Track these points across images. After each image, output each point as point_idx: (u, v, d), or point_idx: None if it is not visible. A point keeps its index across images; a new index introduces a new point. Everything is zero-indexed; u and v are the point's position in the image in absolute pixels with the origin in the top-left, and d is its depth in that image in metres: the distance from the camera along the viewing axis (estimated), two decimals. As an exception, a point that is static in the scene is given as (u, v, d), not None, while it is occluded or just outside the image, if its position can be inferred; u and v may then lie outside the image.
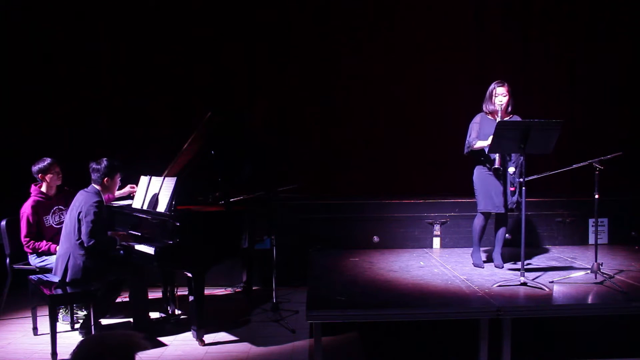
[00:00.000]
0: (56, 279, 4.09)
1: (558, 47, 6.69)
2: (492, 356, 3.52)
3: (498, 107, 4.46)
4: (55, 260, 4.20)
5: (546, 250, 5.49)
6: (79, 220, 4.04)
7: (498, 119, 4.39)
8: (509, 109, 4.53)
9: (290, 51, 6.56)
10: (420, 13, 6.63)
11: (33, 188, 4.57)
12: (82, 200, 4.09)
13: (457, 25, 6.62)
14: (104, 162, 4.20)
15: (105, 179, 4.18)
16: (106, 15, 6.39)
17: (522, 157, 4.51)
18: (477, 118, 4.59)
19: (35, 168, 4.55)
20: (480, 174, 4.60)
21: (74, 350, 1.64)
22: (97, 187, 4.17)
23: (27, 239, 4.44)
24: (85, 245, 4.03)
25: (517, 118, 4.52)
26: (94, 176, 4.19)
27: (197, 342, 4.07)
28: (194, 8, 6.44)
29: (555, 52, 6.69)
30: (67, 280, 4.03)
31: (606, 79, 6.64)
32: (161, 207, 4.19)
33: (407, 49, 6.59)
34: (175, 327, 4.47)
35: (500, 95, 4.48)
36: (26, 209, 4.47)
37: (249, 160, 4.83)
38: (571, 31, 6.66)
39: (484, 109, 4.59)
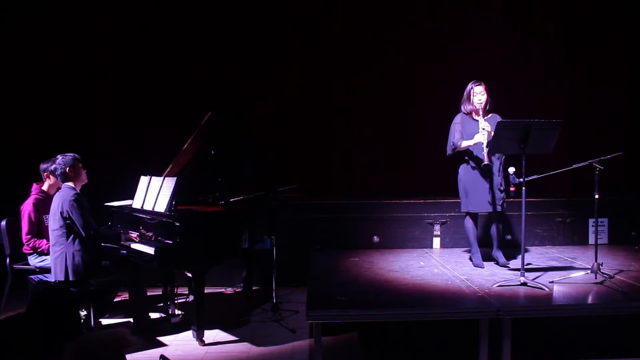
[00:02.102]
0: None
1: (558, 47, 6.69)
2: (492, 356, 3.52)
3: (478, 106, 4.49)
4: (51, 264, 4.18)
5: (546, 250, 5.49)
6: (65, 219, 4.02)
7: (478, 118, 4.45)
8: (487, 107, 4.55)
9: (290, 51, 6.57)
10: (420, 13, 6.64)
11: (34, 187, 4.58)
12: (60, 200, 4.07)
13: (457, 25, 6.62)
14: (57, 157, 4.16)
15: (67, 169, 4.11)
16: (107, 14, 6.39)
17: (503, 155, 4.57)
18: (458, 118, 4.62)
19: (43, 166, 4.58)
20: (466, 173, 4.62)
21: (66, 351, 1.62)
22: (68, 183, 4.14)
23: (29, 236, 4.45)
24: (86, 236, 4.03)
25: (496, 116, 4.55)
26: (59, 174, 4.14)
27: (197, 342, 4.07)
28: (194, 8, 6.45)
29: (555, 51, 6.69)
30: (70, 279, 4.02)
31: (606, 78, 6.65)
32: (161, 207, 4.18)
33: (407, 49, 6.60)
34: (175, 327, 4.47)
35: (478, 94, 4.51)
36: (28, 207, 4.48)
37: (249, 160, 4.83)
38: (571, 31, 6.67)
39: (462, 109, 4.63)
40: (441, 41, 6.60)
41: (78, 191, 4.13)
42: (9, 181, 5.69)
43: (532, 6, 6.68)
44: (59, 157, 4.16)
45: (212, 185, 4.75)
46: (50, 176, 4.58)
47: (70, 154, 4.18)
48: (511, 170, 4.35)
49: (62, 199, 4.05)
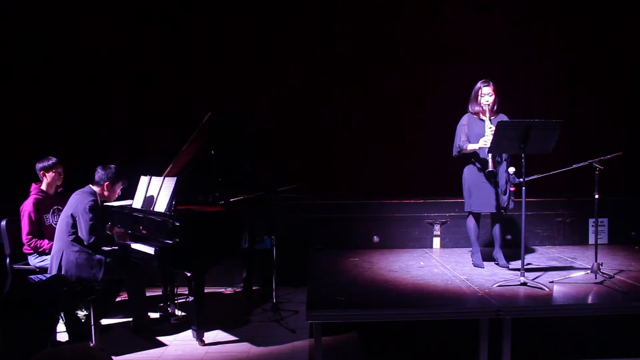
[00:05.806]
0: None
1: (558, 47, 6.69)
2: (492, 356, 3.52)
3: (485, 107, 4.47)
4: (50, 259, 4.20)
5: (546, 251, 5.49)
6: (73, 218, 4.06)
7: (485, 119, 4.43)
8: (495, 107, 4.54)
9: (290, 50, 6.57)
10: (419, 14, 6.64)
11: (33, 186, 4.59)
12: (77, 200, 4.12)
13: (456, 25, 6.62)
14: (112, 167, 4.26)
15: (107, 183, 4.21)
16: (106, 14, 6.39)
17: (509, 157, 4.56)
18: (464, 119, 4.60)
19: (39, 165, 4.60)
20: (470, 173, 4.60)
21: None
22: (94, 188, 4.20)
23: (29, 237, 4.45)
24: (85, 242, 4.05)
25: (503, 116, 4.54)
26: (97, 177, 4.23)
27: (197, 342, 4.07)
28: (194, 8, 6.45)
29: (555, 52, 6.70)
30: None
31: (606, 78, 6.65)
32: (161, 207, 4.18)
33: (407, 49, 6.60)
34: (175, 327, 4.47)
35: (486, 95, 4.48)
36: (27, 207, 4.48)
37: (249, 160, 4.83)
38: (571, 31, 6.67)
39: (470, 109, 4.60)
40: (440, 41, 6.60)
41: (97, 199, 4.16)
42: (7, 181, 5.69)
43: (533, 6, 6.68)
44: (113, 168, 4.26)
45: (212, 185, 4.75)
46: (47, 174, 4.60)
47: (124, 172, 4.30)
48: (511, 170, 4.35)
49: (79, 200, 4.10)
